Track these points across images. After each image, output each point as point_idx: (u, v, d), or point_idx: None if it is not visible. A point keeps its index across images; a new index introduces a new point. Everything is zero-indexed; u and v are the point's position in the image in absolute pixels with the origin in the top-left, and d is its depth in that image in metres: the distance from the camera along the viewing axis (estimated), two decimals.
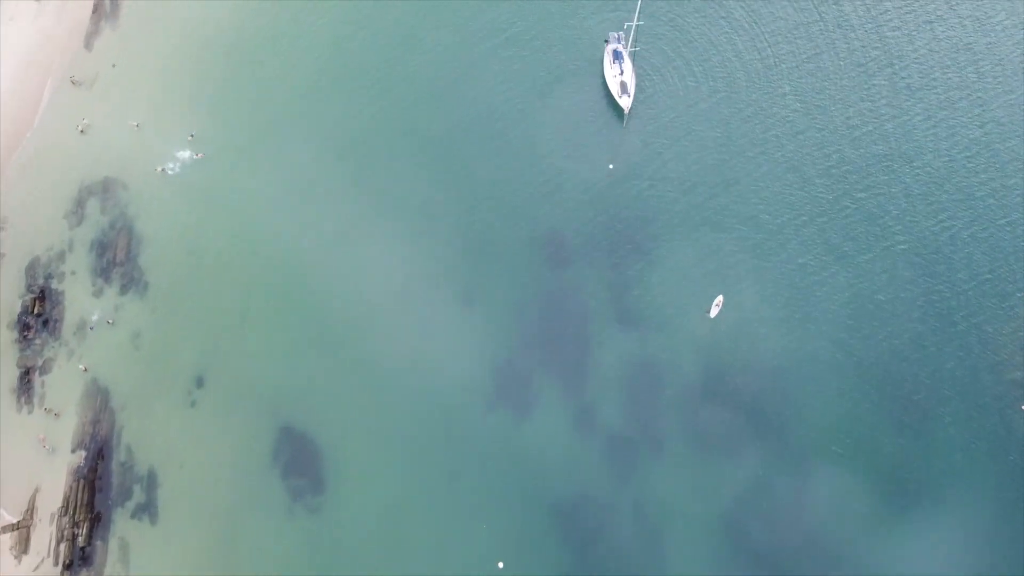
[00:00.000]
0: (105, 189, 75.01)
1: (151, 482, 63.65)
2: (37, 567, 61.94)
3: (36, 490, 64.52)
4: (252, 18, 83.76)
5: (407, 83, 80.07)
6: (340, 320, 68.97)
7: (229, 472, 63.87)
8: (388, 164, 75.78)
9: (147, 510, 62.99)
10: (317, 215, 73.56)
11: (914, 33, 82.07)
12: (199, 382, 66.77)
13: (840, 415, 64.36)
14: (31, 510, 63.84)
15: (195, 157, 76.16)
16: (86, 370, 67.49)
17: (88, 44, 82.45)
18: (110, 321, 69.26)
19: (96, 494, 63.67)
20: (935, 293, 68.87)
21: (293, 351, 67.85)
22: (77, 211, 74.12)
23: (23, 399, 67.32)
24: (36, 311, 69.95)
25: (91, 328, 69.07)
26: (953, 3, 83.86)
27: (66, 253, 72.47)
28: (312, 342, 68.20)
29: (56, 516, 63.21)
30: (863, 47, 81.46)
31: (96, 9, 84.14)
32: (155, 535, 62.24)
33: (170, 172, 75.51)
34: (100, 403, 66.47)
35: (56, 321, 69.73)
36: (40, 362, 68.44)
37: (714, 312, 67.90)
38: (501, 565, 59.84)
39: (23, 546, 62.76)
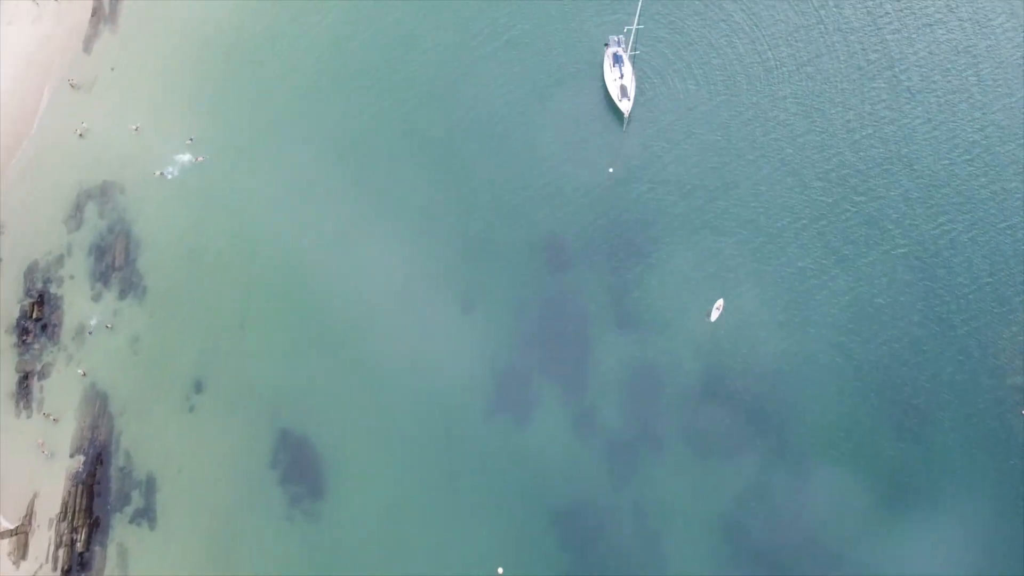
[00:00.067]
0: (104, 193, 74.78)
1: (150, 487, 63.43)
2: (35, 573, 61.65)
3: (34, 495, 64.28)
4: (252, 18, 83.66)
5: (407, 84, 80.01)
6: (340, 321, 68.82)
7: (228, 476, 63.65)
8: (388, 165, 75.70)
9: (146, 515, 62.77)
10: (317, 216, 73.42)
11: (914, 36, 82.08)
12: (198, 386, 66.59)
13: (840, 418, 64.29)
14: (29, 515, 63.58)
15: (194, 161, 76.00)
16: (85, 375, 67.28)
17: (87, 47, 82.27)
18: (109, 325, 69.05)
19: (95, 499, 63.42)
20: (935, 297, 68.85)
21: (293, 352, 67.69)
22: (76, 215, 73.90)
23: (22, 404, 67.07)
24: (35, 316, 69.68)
25: (90, 333, 68.85)
26: (953, 6, 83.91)
27: (65, 257, 72.25)
28: (312, 343, 68.05)
29: (54, 521, 62.93)
30: (863, 50, 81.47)
31: (95, 12, 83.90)
32: (154, 540, 61.96)
33: (169, 176, 75.33)
34: (99, 408, 66.25)
35: (55, 326, 69.50)
36: (39, 367, 68.21)
37: (714, 315, 67.83)
38: (501, 571, 59.63)
39: (21, 552, 62.48)
